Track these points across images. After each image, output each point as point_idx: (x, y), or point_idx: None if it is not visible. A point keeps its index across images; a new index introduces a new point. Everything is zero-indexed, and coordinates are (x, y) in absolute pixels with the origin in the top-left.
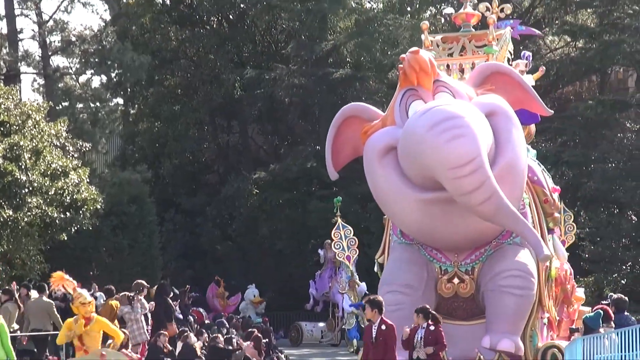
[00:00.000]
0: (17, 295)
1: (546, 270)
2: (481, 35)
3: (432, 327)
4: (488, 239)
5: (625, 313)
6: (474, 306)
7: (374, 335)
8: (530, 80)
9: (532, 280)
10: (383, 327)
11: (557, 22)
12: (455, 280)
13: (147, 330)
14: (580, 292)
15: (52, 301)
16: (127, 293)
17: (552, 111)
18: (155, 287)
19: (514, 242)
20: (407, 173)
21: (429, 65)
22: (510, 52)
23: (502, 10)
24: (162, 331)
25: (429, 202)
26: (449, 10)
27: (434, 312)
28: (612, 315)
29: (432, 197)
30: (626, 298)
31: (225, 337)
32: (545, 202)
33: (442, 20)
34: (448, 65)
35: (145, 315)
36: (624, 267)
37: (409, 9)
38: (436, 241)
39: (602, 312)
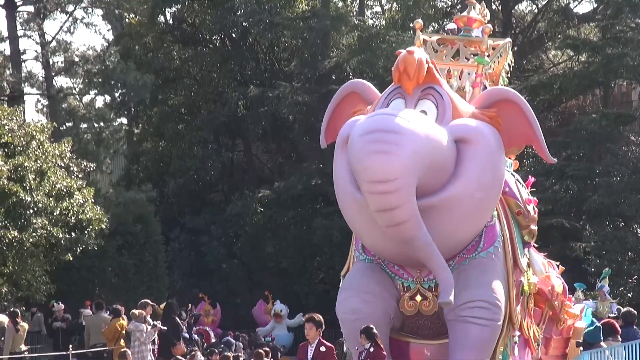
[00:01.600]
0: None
1: (519, 286)
2: (478, 43)
3: (371, 349)
4: (451, 253)
5: (634, 327)
6: (439, 324)
7: (309, 358)
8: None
9: (498, 310)
10: (322, 348)
11: (559, 36)
12: (418, 298)
13: (154, 349)
14: (575, 309)
15: (108, 316)
16: (141, 311)
17: (555, 160)
18: (163, 305)
19: (479, 257)
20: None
21: (414, 68)
22: (509, 65)
23: (483, 15)
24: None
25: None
26: (451, 25)
27: (376, 332)
28: (619, 328)
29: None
30: (635, 312)
31: (233, 355)
32: (518, 214)
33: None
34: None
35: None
36: (630, 280)
37: (411, 25)
38: (387, 253)
39: (601, 326)
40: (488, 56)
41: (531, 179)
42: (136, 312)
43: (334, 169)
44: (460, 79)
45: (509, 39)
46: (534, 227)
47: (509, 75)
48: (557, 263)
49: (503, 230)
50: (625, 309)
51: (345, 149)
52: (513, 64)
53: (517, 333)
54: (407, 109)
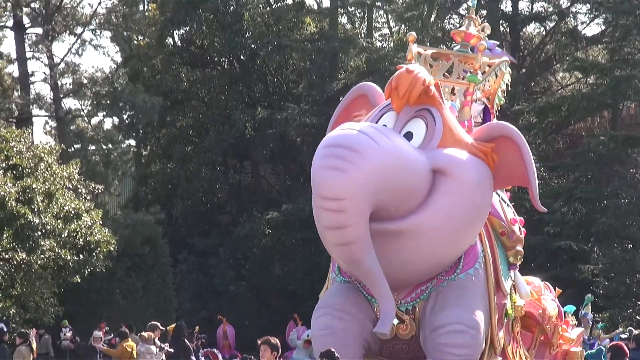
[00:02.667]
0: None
1: (502, 309)
2: (474, 59)
3: None
4: (430, 275)
5: None
6: (417, 348)
7: None
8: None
9: (477, 334)
10: None
11: (567, 58)
12: (395, 321)
13: None
14: (572, 333)
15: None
16: (151, 333)
17: (546, 209)
18: (172, 327)
19: (458, 279)
20: None
21: (406, 87)
22: (507, 85)
23: (482, 30)
24: None
25: None
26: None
27: (338, 356)
28: (628, 351)
29: None
30: None
31: None
32: (502, 234)
33: None
34: None
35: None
36: (639, 302)
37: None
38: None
39: (603, 348)
40: (483, 74)
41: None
42: (145, 334)
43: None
44: (450, 97)
45: (505, 57)
46: (519, 247)
47: (506, 95)
48: (553, 281)
49: (485, 252)
50: (637, 331)
51: None
52: (510, 84)
53: (499, 359)
54: (385, 128)
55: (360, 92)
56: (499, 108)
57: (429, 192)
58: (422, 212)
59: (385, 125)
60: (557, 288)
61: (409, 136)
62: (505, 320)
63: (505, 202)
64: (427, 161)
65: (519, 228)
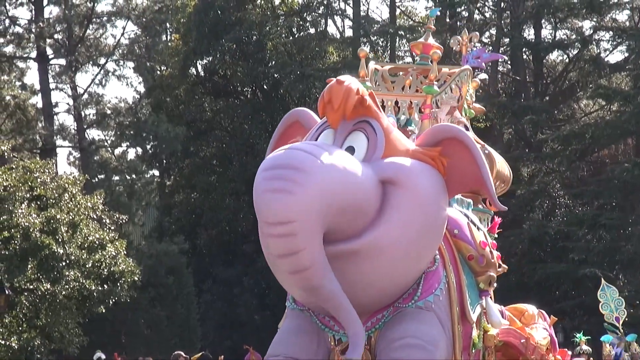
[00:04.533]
0: None
1: (468, 339)
2: (429, 70)
3: None
4: (386, 302)
5: None
6: None
7: None
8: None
9: (435, 351)
10: None
11: (591, 85)
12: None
13: None
14: None
15: None
16: None
17: (506, 207)
18: (197, 357)
19: (417, 306)
20: None
21: (340, 99)
22: (471, 96)
23: (470, 40)
24: None
25: None
26: (482, 76)
27: None
28: None
29: None
30: None
31: None
32: (469, 259)
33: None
34: (382, 102)
35: None
36: None
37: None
38: (310, 305)
39: None
40: (441, 85)
41: (497, 220)
42: None
43: None
44: (409, 111)
45: (467, 66)
46: (492, 273)
47: (470, 107)
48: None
49: (448, 277)
50: None
51: None
52: (476, 93)
53: None
54: (324, 144)
55: (293, 120)
56: (469, 121)
57: (381, 205)
58: (377, 227)
59: None
60: (551, 316)
61: (350, 151)
62: (474, 351)
63: (475, 225)
64: (374, 173)
65: (490, 251)
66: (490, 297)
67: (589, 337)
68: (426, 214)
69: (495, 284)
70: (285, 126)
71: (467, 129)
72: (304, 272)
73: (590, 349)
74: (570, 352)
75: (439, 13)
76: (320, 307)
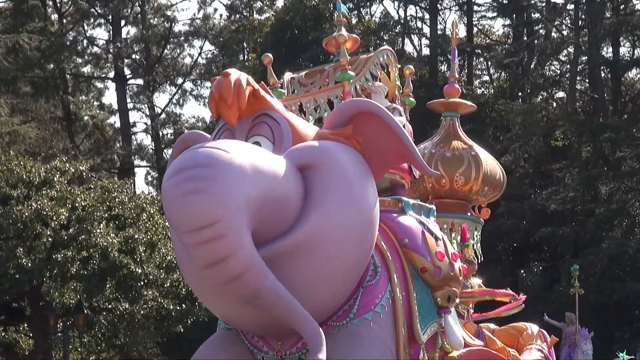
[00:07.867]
0: None
1: None
2: (351, 61)
3: None
4: (326, 313)
5: None
6: None
7: None
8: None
9: None
10: None
11: None
12: None
13: None
14: None
15: None
16: None
17: (438, 172)
18: None
19: (352, 325)
20: None
21: (232, 93)
22: (399, 87)
23: (457, 32)
24: None
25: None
26: (561, 94)
27: None
28: None
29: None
30: None
31: None
32: (422, 271)
33: (554, 104)
34: (301, 105)
35: None
36: None
37: (520, 93)
38: (236, 321)
39: None
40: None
41: (464, 226)
42: None
43: None
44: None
45: (386, 47)
46: (454, 287)
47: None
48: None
49: (393, 292)
50: None
51: None
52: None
53: None
54: (227, 140)
55: (185, 145)
56: (407, 111)
57: (306, 193)
58: (309, 216)
59: None
60: (552, 336)
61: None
62: None
63: (433, 234)
64: (290, 161)
65: (450, 263)
66: (469, 315)
67: (633, 358)
68: (354, 195)
69: (457, 299)
70: (177, 153)
71: (400, 115)
72: (241, 278)
73: None
74: None
75: (346, 9)
76: (251, 326)
